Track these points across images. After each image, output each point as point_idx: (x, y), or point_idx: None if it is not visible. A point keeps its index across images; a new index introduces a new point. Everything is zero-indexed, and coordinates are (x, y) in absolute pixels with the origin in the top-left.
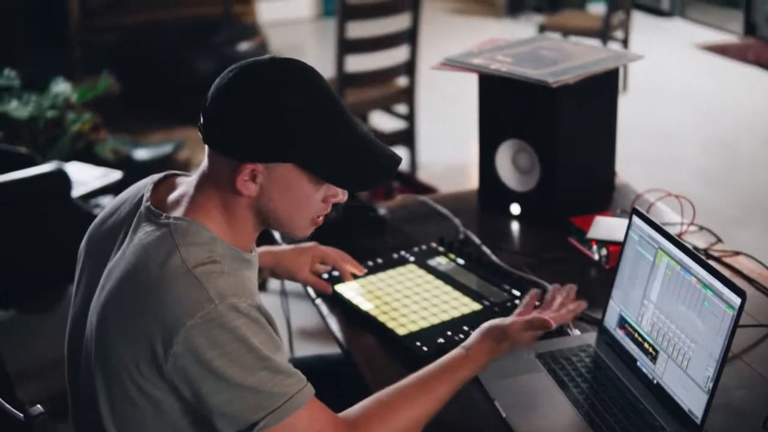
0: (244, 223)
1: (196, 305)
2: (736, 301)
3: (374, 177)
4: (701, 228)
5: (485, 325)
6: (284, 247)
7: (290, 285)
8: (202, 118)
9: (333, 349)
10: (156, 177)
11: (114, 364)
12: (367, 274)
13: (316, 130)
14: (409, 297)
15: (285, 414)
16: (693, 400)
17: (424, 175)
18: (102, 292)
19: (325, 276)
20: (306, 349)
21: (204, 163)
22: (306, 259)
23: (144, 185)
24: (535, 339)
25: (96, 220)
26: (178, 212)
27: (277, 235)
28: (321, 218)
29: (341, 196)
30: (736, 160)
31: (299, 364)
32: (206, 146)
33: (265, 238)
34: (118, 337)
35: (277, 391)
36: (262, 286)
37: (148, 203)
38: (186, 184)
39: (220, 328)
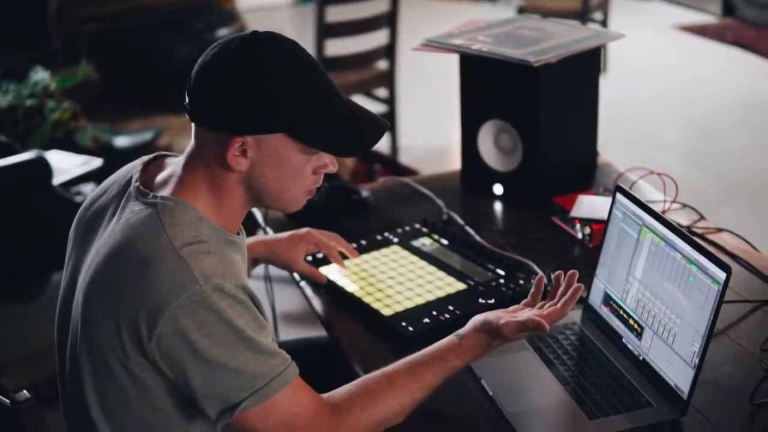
0: (234, 201)
1: (182, 286)
2: (721, 275)
3: (363, 142)
4: (684, 206)
5: (480, 318)
6: (277, 236)
7: (274, 270)
8: (187, 98)
9: (319, 332)
10: (145, 158)
11: (99, 342)
12: None
13: (303, 99)
14: (393, 278)
15: (267, 395)
16: (679, 376)
17: (405, 159)
18: (89, 270)
19: (309, 258)
20: (291, 333)
21: (191, 143)
22: (301, 249)
23: (133, 166)
24: (528, 337)
25: (85, 203)
26: (165, 192)
27: (259, 217)
28: (313, 190)
29: (331, 166)
30: (715, 139)
31: (285, 347)
32: (193, 125)
33: (250, 224)
34: (103, 315)
35: (260, 372)
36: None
37: (137, 183)
38: (174, 164)
39: (204, 309)
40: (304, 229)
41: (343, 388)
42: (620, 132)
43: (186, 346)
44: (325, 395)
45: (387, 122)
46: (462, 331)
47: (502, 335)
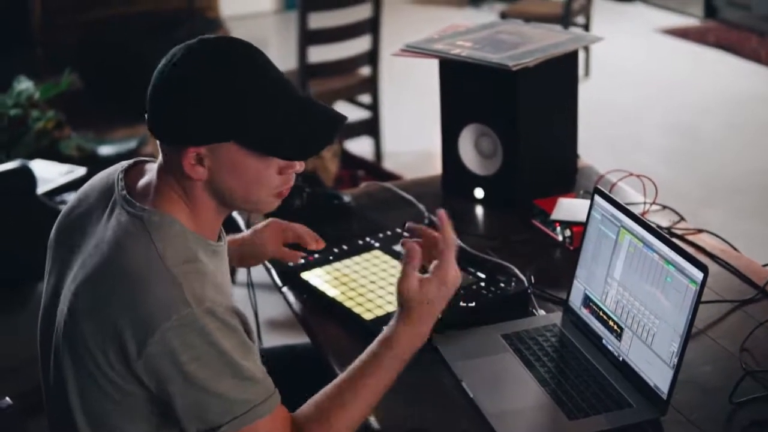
0: (207, 208)
1: (173, 307)
2: (699, 275)
3: (316, 144)
4: (664, 207)
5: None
6: (241, 234)
7: (257, 276)
8: (147, 109)
9: (302, 339)
10: (125, 164)
11: (83, 352)
12: (332, 261)
13: (249, 106)
14: (374, 282)
15: (246, 421)
16: (659, 376)
17: (389, 165)
18: (75, 280)
19: (290, 264)
20: (275, 340)
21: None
22: (268, 234)
23: (113, 172)
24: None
25: (64, 210)
26: (147, 202)
27: (241, 222)
28: (285, 191)
29: (298, 166)
30: (698, 141)
31: (269, 354)
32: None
33: (232, 230)
34: (88, 327)
35: (243, 398)
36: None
37: (124, 192)
38: (151, 171)
39: (195, 332)
40: (266, 220)
41: (310, 405)
42: (603, 135)
43: (174, 367)
44: (295, 413)
45: (344, 116)
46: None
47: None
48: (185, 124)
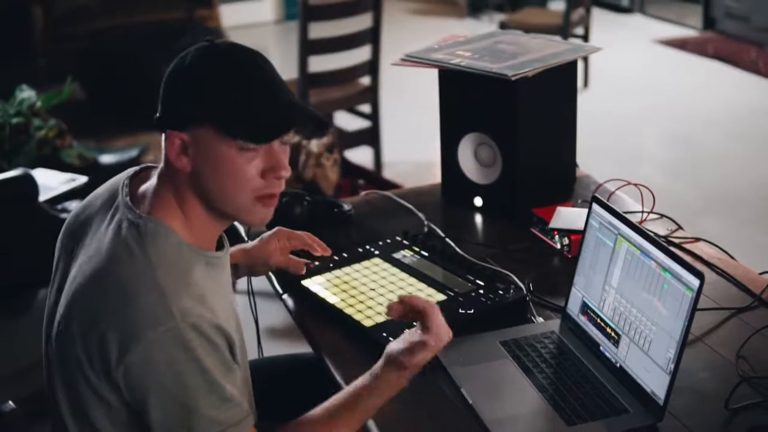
0: (198, 214)
1: (158, 319)
2: (695, 282)
3: (279, 126)
4: (662, 216)
5: (388, 349)
6: (251, 242)
7: (258, 284)
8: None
9: (302, 346)
10: (131, 171)
11: (71, 356)
12: (332, 269)
13: (224, 92)
14: (374, 290)
15: None
16: (655, 382)
17: (389, 173)
18: (72, 285)
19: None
20: (275, 348)
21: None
22: (275, 244)
23: (120, 179)
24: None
25: (72, 214)
26: (145, 207)
27: (242, 231)
28: (270, 199)
29: (283, 172)
30: (696, 152)
31: (272, 363)
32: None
33: (231, 240)
34: (78, 331)
35: (218, 418)
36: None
37: (127, 198)
38: (153, 176)
39: (178, 345)
40: (274, 228)
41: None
42: (602, 145)
43: (152, 378)
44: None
45: (325, 119)
46: (375, 367)
47: (404, 366)
48: (168, 107)
